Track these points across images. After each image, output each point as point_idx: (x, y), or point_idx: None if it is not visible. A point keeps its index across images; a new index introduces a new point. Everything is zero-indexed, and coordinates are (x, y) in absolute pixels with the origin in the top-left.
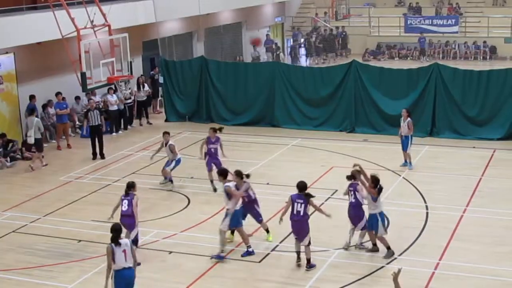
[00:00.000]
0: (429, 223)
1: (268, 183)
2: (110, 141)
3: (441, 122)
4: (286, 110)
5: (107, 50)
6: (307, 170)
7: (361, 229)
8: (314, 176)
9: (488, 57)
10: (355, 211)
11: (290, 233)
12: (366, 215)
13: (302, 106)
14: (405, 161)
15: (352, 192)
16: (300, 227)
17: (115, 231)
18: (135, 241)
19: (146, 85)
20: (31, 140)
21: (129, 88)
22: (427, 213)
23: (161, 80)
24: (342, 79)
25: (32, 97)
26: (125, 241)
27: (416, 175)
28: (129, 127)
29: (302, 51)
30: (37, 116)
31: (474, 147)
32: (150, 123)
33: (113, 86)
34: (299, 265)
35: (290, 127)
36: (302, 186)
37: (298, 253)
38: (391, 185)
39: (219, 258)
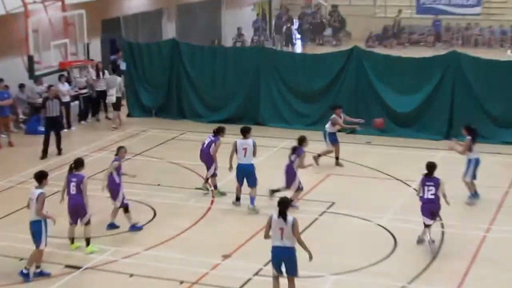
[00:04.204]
0: (445, 244)
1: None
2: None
3: (460, 123)
4: (273, 105)
5: (59, 30)
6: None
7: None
8: (307, 185)
9: None
10: (435, 207)
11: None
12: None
13: (293, 101)
14: (475, 191)
15: (431, 187)
16: None
17: None
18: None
19: (106, 72)
20: None
21: (85, 76)
22: (442, 232)
23: (123, 66)
24: (341, 68)
25: None
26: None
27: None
28: (83, 122)
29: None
30: None
31: (499, 153)
32: (109, 118)
33: (65, 73)
34: None
35: (278, 126)
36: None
37: None
38: (399, 197)
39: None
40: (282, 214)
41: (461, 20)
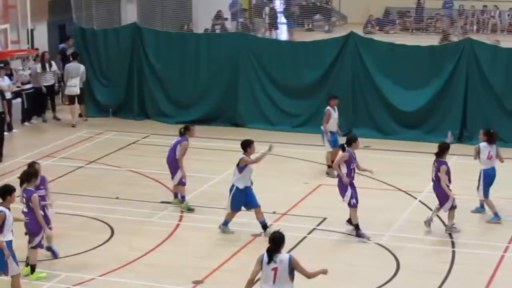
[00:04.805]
0: (457, 266)
1: (226, 208)
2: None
3: (475, 123)
4: (255, 103)
5: None
6: (283, 190)
7: (449, 209)
8: (294, 197)
9: None
10: (438, 190)
11: None
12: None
13: (278, 98)
14: (481, 205)
15: (435, 169)
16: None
17: None
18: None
19: (53, 64)
20: None
21: (29, 68)
22: (453, 252)
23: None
24: (335, 59)
25: None
26: None
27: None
28: (27, 123)
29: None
30: None
31: None
32: (58, 119)
33: (5, 65)
34: None
35: (260, 127)
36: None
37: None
38: (403, 212)
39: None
40: (271, 253)
41: (477, 1)
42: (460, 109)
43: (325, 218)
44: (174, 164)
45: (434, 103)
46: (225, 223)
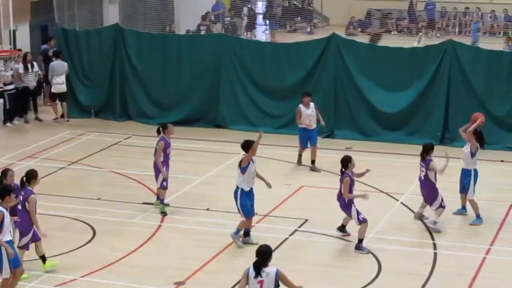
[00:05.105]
0: (438, 268)
1: (208, 209)
2: None
3: (457, 125)
4: (237, 104)
5: None
6: (265, 191)
7: (437, 208)
8: (275, 199)
9: None
10: (427, 189)
11: None
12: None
13: (260, 99)
14: (463, 207)
15: (423, 168)
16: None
17: None
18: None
19: (35, 64)
20: None
21: (11, 69)
22: (435, 254)
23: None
24: (317, 60)
25: None
26: None
27: (419, 200)
28: (9, 124)
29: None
30: None
31: (502, 161)
32: (40, 120)
33: None
34: None
35: (242, 128)
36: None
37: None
38: (384, 214)
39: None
40: (259, 266)
41: (459, 3)
42: (442, 111)
43: (306, 220)
44: (155, 165)
45: (416, 105)
46: (237, 232)
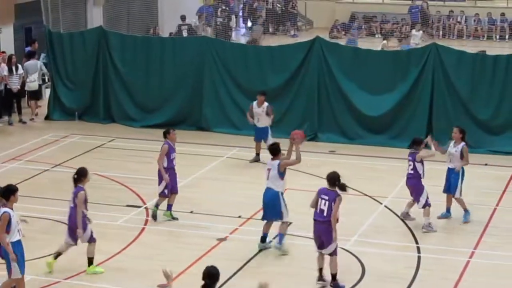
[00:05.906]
0: (422, 272)
1: (192, 212)
2: None
3: (440, 128)
4: (220, 107)
5: None
6: (248, 193)
7: (423, 207)
8: (258, 201)
9: (507, 36)
10: (413, 183)
11: None
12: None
13: (243, 102)
14: (448, 209)
15: (410, 162)
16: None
17: None
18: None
19: (19, 67)
20: None
21: None
22: (419, 258)
23: (43, 59)
24: (301, 63)
25: None
26: None
27: (403, 204)
28: None
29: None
30: None
31: (486, 164)
32: (24, 122)
33: None
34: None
35: (225, 131)
36: (332, 177)
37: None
38: (369, 217)
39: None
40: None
41: (442, 6)
42: (426, 114)
43: (290, 223)
44: (159, 172)
45: (400, 108)
46: (282, 238)
